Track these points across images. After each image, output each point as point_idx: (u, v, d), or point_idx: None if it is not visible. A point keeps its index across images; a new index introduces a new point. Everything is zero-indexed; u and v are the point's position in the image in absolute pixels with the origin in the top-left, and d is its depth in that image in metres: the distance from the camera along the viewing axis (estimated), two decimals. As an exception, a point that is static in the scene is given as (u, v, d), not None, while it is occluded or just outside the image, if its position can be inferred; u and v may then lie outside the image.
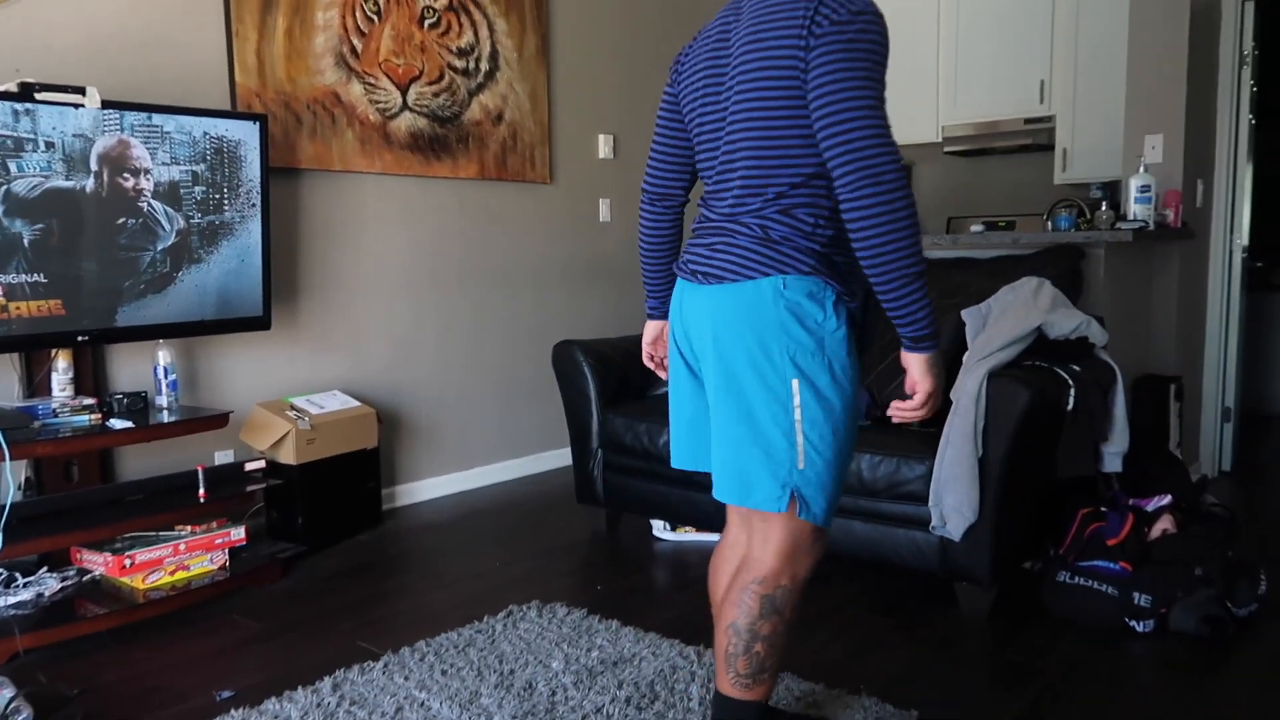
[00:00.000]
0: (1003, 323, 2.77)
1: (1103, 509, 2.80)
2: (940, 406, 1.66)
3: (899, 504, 2.68)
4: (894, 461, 2.68)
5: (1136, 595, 2.54)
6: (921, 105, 5.07)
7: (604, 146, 4.71)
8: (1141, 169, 3.56)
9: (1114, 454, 2.90)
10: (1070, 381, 2.69)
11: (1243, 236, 4.18)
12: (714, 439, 1.68)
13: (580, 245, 4.65)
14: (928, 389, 1.61)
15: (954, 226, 5.37)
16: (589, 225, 4.69)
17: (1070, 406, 2.68)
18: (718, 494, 1.68)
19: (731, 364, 1.61)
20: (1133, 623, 2.54)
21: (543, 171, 4.39)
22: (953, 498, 2.54)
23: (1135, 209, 3.46)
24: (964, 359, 2.72)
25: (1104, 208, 3.67)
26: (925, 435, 2.73)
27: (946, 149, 5.14)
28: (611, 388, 3.42)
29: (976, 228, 4.44)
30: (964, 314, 2.88)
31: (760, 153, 1.58)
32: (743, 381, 1.60)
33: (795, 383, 1.56)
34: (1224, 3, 4.00)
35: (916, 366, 1.60)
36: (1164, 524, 2.75)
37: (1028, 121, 4.79)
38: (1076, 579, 2.64)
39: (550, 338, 4.43)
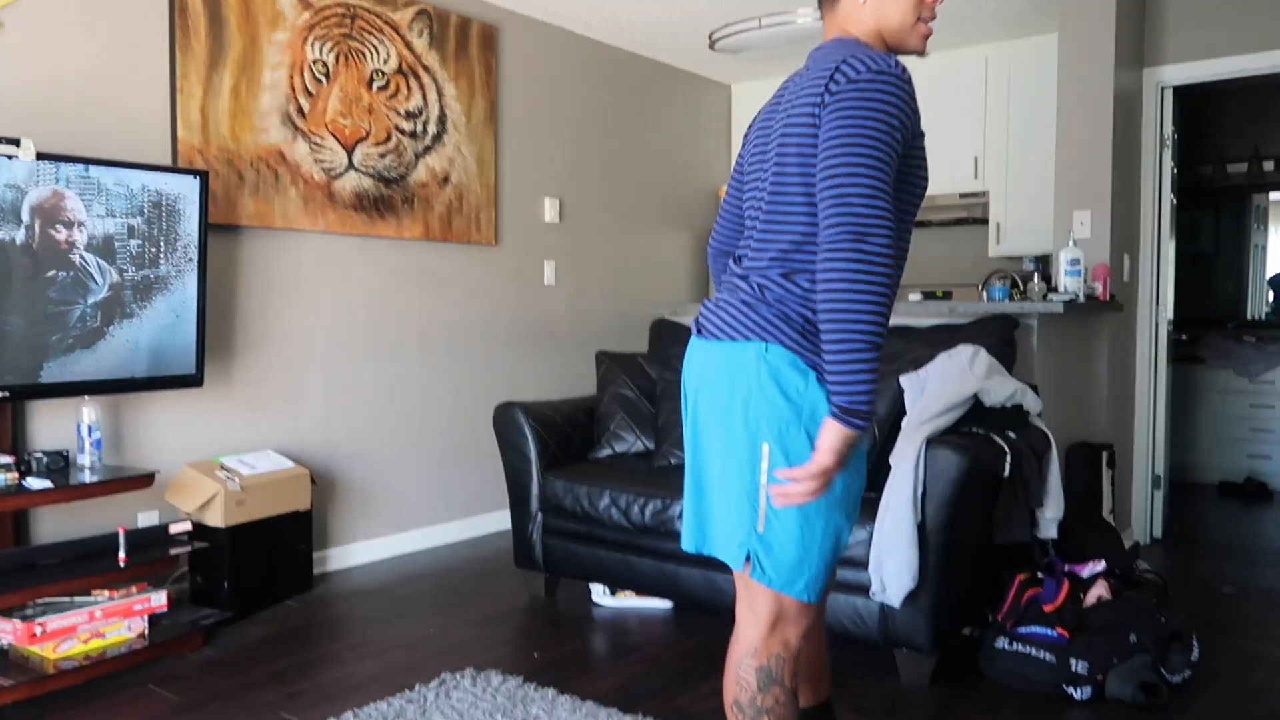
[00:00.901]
0: (940, 389, 2.81)
1: (1039, 574, 2.83)
2: (822, 484, 1.50)
3: (839, 568, 2.67)
4: (835, 526, 2.67)
5: (1074, 662, 2.55)
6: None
7: (550, 210, 4.74)
8: (1071, 243, 3.67)
9: (1049, 520, 2.94)
10: (1006, 448, 2.73)
11: (1168, 310, 4.33)
12: (686, 487, 1.67)
13: (524, 307, 4.65)
14: (825, 464, 1.46)
15: (893, 296, 5.47)
16: (533, 287, 4.69)
17: (1006, 473, 2.71)
18: (685, 543, 1.68)
19: (708, 418, 1.61)
20: (1070, 689, 2.54)
21: (488, 233, 4.39)
22: (893, 563, 2.53)
23: (1066, 281, 3.56)
24: (903, 424, 2.75)
25: (1036, 280, 3.78)
26: (866, 500, 2.74)
27: (885, 220, 5.26)
28: (552, 450, 3.39)
29: (915, 297, 4.52)
30: (902, 380, 2.92)
31: (770, 210, 1.59)
32: (715, 437, 1.59)
33: (765, 446, 1.53)
34: (1145, 89, 4.20)
35: (830, 435, 1.45)
36: (1099, 590, 2.78)
37: (963, 196, 4.95)
38: (1015, 645, 2.64)
39: (491, 399, 4.39)
